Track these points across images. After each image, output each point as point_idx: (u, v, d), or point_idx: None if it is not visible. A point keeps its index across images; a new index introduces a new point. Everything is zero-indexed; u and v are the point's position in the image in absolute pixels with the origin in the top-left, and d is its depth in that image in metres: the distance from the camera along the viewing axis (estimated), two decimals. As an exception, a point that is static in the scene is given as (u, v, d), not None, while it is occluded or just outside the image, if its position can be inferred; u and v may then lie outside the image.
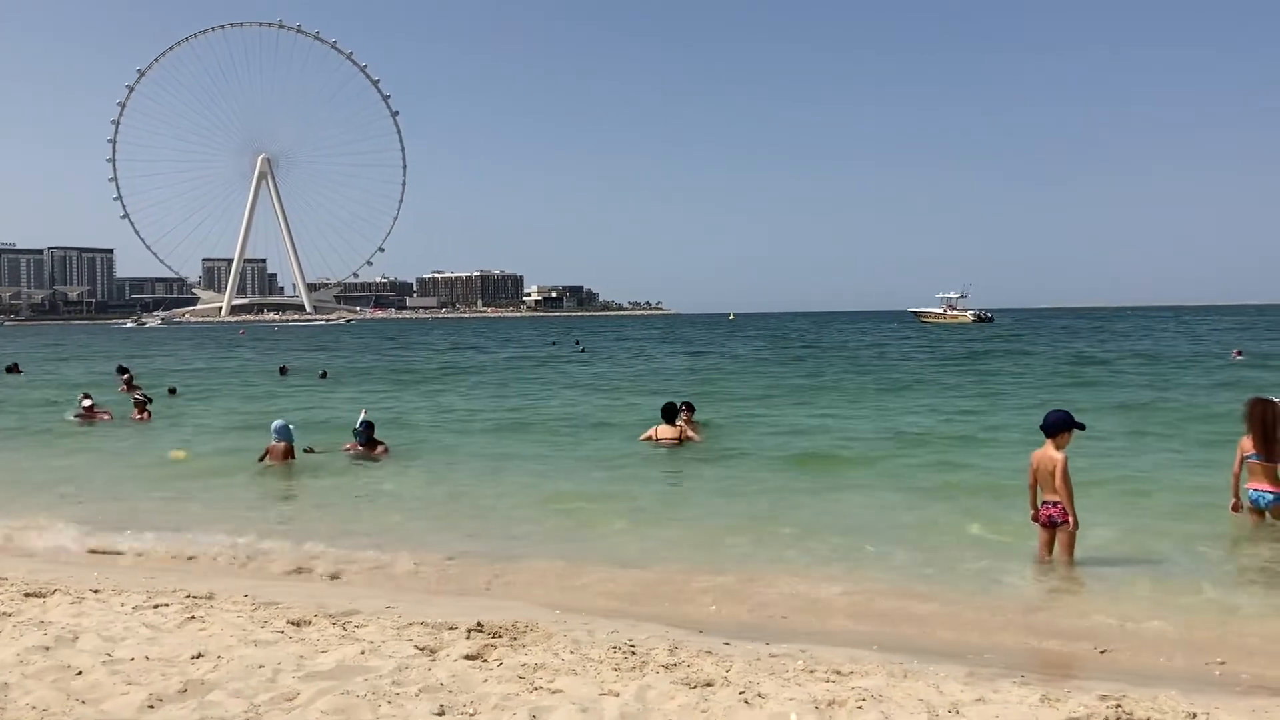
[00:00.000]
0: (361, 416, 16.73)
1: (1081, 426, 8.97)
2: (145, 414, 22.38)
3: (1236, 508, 9.92)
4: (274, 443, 15.35)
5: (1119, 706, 5.34)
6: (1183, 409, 21.77)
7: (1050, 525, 8.94)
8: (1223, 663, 6.62)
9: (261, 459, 15.35)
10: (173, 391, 29.08)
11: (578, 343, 70.15)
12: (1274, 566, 8.88)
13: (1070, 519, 8.77)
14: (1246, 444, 9.73)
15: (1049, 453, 8.88)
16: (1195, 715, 5.24)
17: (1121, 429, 18.11)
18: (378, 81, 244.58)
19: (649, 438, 16.51)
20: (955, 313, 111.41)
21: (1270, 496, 9.65)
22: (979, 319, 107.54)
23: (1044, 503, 8.98)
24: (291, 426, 15.75)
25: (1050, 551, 8.99)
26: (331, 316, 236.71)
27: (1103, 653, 6.97)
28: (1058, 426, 8.87)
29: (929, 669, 6.17)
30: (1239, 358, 40.34)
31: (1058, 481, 8.74)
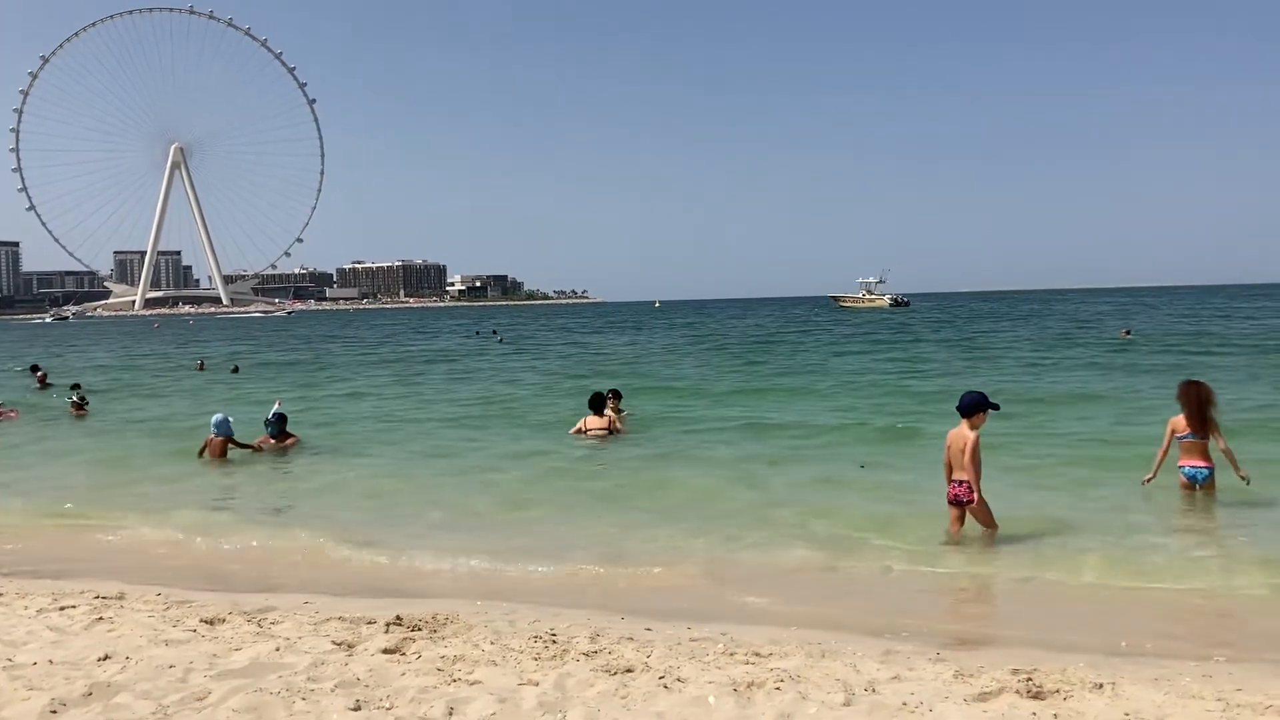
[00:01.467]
0: (275, 408, 16.43)
1: (996, 407, 9.24)
2: (82, 411, 22.42)
3: (1148, 481, 10.36)
4: (212, 436, 15.23)
5: (1029, 679, 5.45)
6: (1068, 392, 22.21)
7: (957, 503, 9.18)
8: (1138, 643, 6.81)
9: (201, 453, 15.23)
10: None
11: (494, 332, 69.13)
12: (1188, 539, 9.15)
13: (975, 496, 9.00)
14: (1179, 423, 10.20)
15: (963, 432, 9.09)
16: (1102, 685, 5.37)
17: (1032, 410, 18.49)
18: (293, 69, 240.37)
19: (579, 430, 16.45)
20: (873, 298, 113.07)
21: (1205, 472, 10.18)
22: (895, 303, 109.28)
23: (951, 481, 9.20)
24: (231, 420, 15.56)
25: (960, 526, 9.21)
26: (273, 309, 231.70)
27: (1016, 628, 7.13)
28: (973, 407, 9.13)
29: (847, 648, 6.24)
30: (1127, 336, 42.12)
31: (967, 459, 8.95)
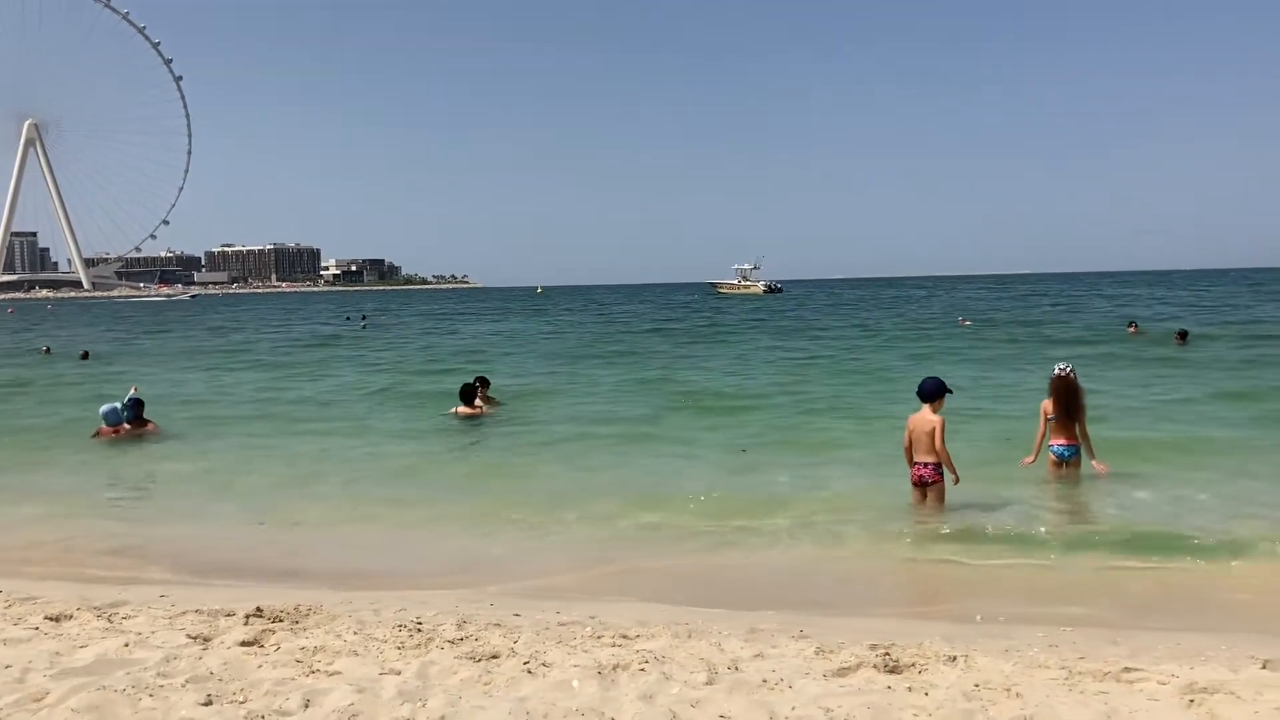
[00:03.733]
0: (130, 394, 15.83)
1: (951, 391, 9.66)
2: None
3: (1029, 463, 10.97)
4: (104, 427, 14.99)
5: (887, 654, 5.59)
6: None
7: (921, 484, 9.53)
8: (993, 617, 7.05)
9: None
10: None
11: (363, 317, 67.26)
12: (1049, 515, 9.53)
13: (942, 478, 9.43)
14: (1048, 406, 10.92)
15: (927, 416, 9.45)
16: (955, 657, 5.54)
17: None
18: (158, 44, 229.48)
19: (452, 413, 16.35)
20: (748, 284, 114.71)
21: (1071, 449, 10.86)
22: (769, 290, 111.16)
23: (916, 463, 9.55)
24: (118, 406, 15.25)
25: (923, 504, 9.58)
26: (175, 292, 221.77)
27: (878, 604, 7.32)
28: (934, 393, 9.53)
29: (713, 628, 6.30)
30: (965, 324, 43.98)
31: (937, 444, 9.34)
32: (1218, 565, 7.90)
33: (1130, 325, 33.59)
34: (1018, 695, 4.92)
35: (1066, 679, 5.18)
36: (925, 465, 9.49)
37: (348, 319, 68.92)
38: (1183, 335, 28.35)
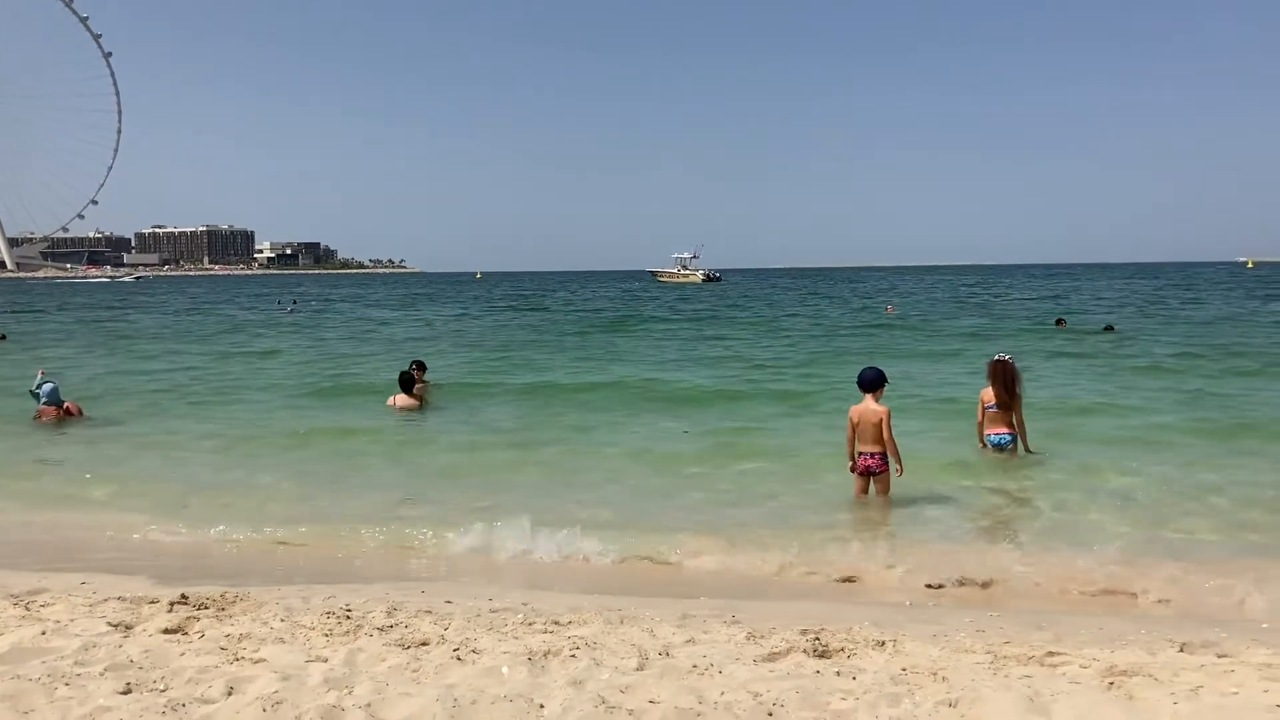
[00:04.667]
0: (38, 379, 15.42)
1: (889, 380, 9.75)
2: None
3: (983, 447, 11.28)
4: (43, 406, 14.74)
5: (817, 639, 5.63)
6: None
7: (867, 474, 9.57)
8: (931, 596, 7.13)
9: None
10: None
11: (295, 302, 65.77)
12: (973, 504, 9.67)
13: (888, 467, 9.48)
14: (987, 395, 11.18)
15: (871, 406, 9.48)
16: (884, 642, 5.60)
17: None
18: (86, 19, 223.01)
19: (392, 404, 16.16)
20: (687, 273, 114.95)
21: (1009, 438, 11.14)
22: (708, 278, 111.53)
23: (861, 453, 9.58)
24: (56, 386, 15.05)
25: (866, 493, 9.62)
26: (119, 274, 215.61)
27: (811, 590, 7.38)
28: (876, 382, 9.57)
29: (646, 614, 6.29)
30: (892, 312, 45.26)
31: (885, 433, 9.38)
32: (1135, 552, 8.07)
33: (1057, 321, 34.10)
34: (944, 679, 4.98)
35: (992, 663, 5.26)
36: (871, 455, 9.53)
37: (278, 304, 67.44)
38: (1109, 329, 28.92)
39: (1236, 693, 4.76)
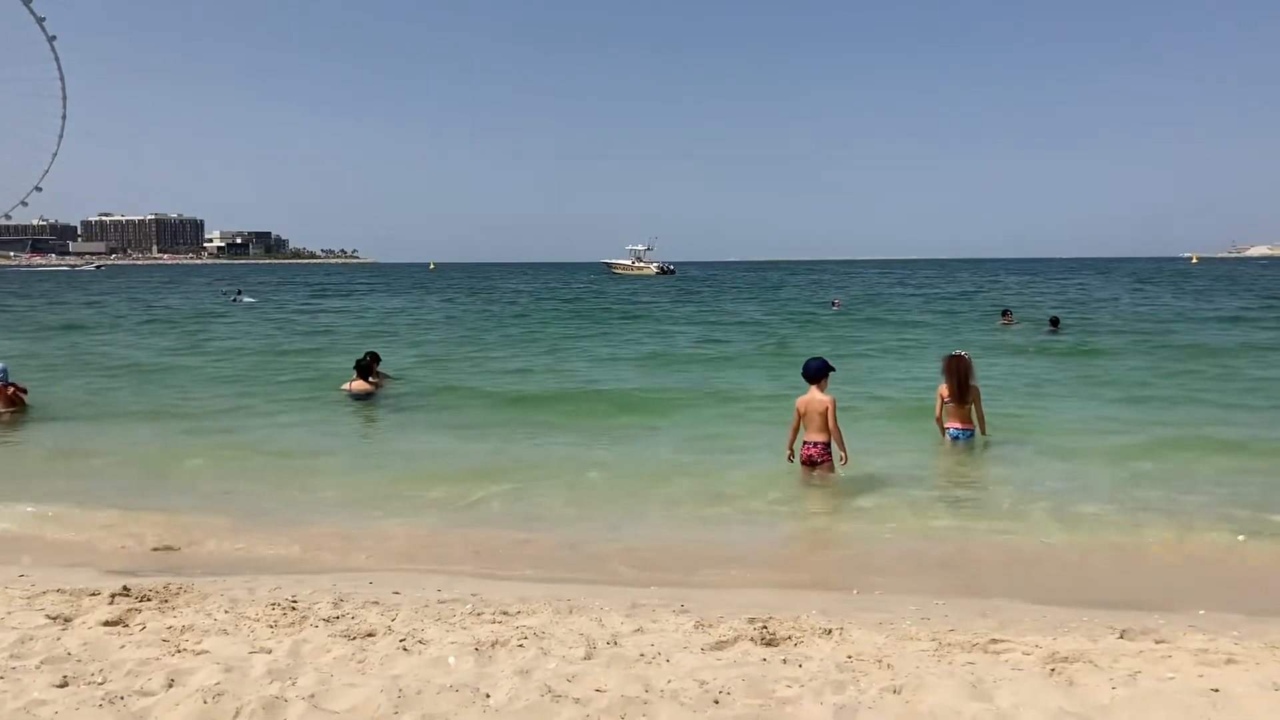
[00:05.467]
0: None
1: (834, 369, 9.83)
2: None
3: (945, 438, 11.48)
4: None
5: (764, 627, 5.66)
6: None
7: (810, 464, 9.66)
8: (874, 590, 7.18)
9: None
10: None
11: (239, 291, 63.07)
12: (925, 493, 9.73)
13: (831, 457, 9.57)
14: (944, 390, 11.38)
15: (817, 396, 9.56)
16: (830, 630, 5.65)
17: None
18: (30, 1, 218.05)
19: (346, 389, 16.04)
20: (642, 265, 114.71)
21: (965, 433, 11.38)
22: (662, 271, 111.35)
23: (805, 443, 9.67)
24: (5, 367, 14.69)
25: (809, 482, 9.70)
26: (80, 262, 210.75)
27: (761, 576, 7.40)
28: (820, 372, 9.67)
29: (595, 603, 6.29)
30: (836, 306, 45.42)
31: (830, 422, 9.48)
32: (1084, 540, 8.18)
33: (1003, 314, 33.88)
34: (889, 666, 5.02)
35: (936, 650, 5.31)
36: (815, 445, 9.62)
37: (224, 293, 65.21)
38: (1054, 322, 29.19)
39: (1173, 677, 4.85)
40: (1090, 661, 5.07)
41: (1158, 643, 5.45)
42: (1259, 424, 13.34)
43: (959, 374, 11.22)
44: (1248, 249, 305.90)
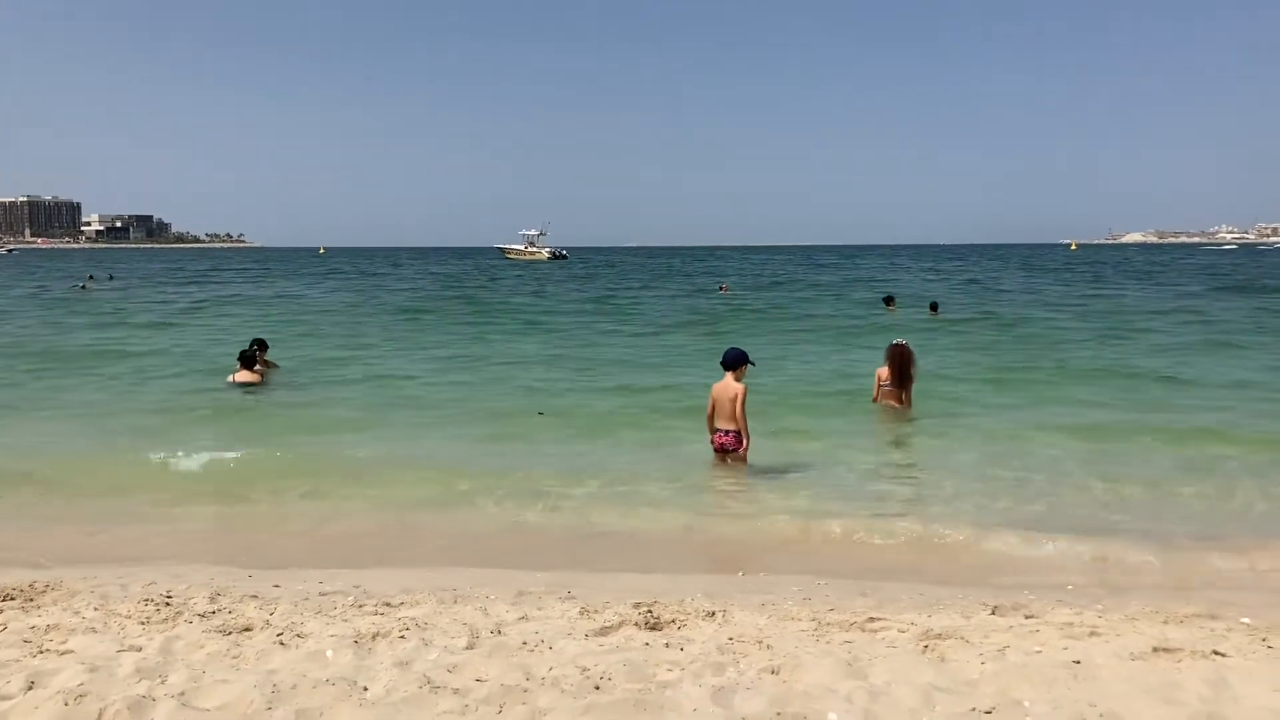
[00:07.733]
0: None
1: (753, 363, 10.01)
2: None
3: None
4: None
5: (649, 612, 5.70)
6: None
7: (723, 451, 9.80)
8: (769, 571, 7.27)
9: None
10: None
11: (90, 277, 57.24)
12: (830, 479, 9.82)
13: (744, 444, 9.73)
14: (883, 373, 12.41)
15: (729, 384, 9.70)
16: (714, 613, 5.71)
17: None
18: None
19: (231, 380, 15.61)
20: (534, 250, 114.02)
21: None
22: (554, 256, 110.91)
23: (717, 430, 9.81)
24: None
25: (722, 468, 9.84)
26: None
27: (647, 564, 7.44)
28: (737, 362, 9.82)
29: (480, 592, 6.25)
30: (724, 291, 46.02)
31: (738, 410, 9.61)
32: (966, 525, 8.40)
33: (886, 300, 34.13)
34: (768, 647, 5.10)
35: (815, 630, 5.42)
36: (726, 433, 9.77)
37: (83, 285, 60.12)
38: (934, 307, 29.92)
39: (1040, 651, 5.03)
40: (962, 638, 5.23)
41: (1027, 618, 5.64)
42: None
43: (899, 362, 12.17)
44: (1123, 235, 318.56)
